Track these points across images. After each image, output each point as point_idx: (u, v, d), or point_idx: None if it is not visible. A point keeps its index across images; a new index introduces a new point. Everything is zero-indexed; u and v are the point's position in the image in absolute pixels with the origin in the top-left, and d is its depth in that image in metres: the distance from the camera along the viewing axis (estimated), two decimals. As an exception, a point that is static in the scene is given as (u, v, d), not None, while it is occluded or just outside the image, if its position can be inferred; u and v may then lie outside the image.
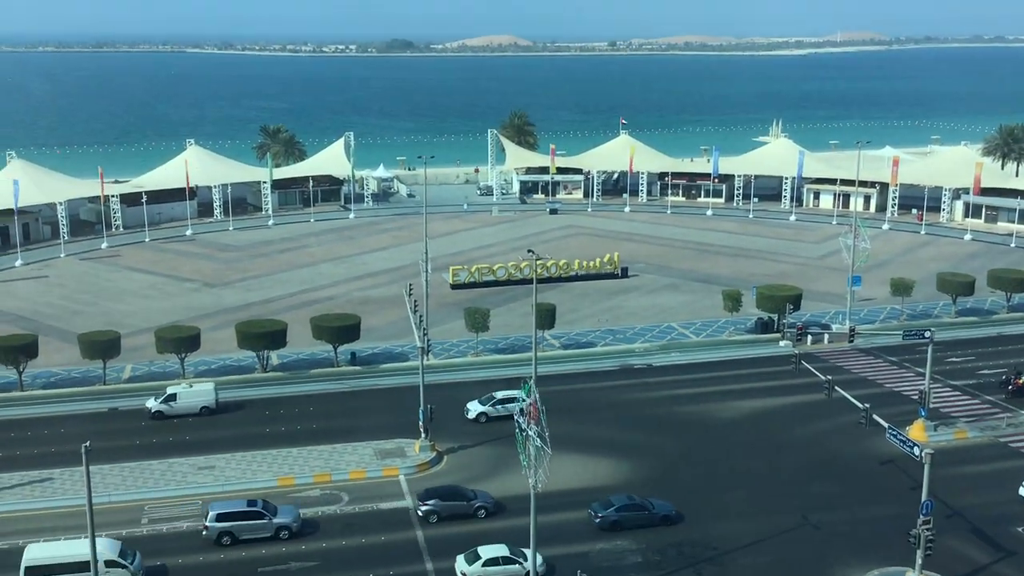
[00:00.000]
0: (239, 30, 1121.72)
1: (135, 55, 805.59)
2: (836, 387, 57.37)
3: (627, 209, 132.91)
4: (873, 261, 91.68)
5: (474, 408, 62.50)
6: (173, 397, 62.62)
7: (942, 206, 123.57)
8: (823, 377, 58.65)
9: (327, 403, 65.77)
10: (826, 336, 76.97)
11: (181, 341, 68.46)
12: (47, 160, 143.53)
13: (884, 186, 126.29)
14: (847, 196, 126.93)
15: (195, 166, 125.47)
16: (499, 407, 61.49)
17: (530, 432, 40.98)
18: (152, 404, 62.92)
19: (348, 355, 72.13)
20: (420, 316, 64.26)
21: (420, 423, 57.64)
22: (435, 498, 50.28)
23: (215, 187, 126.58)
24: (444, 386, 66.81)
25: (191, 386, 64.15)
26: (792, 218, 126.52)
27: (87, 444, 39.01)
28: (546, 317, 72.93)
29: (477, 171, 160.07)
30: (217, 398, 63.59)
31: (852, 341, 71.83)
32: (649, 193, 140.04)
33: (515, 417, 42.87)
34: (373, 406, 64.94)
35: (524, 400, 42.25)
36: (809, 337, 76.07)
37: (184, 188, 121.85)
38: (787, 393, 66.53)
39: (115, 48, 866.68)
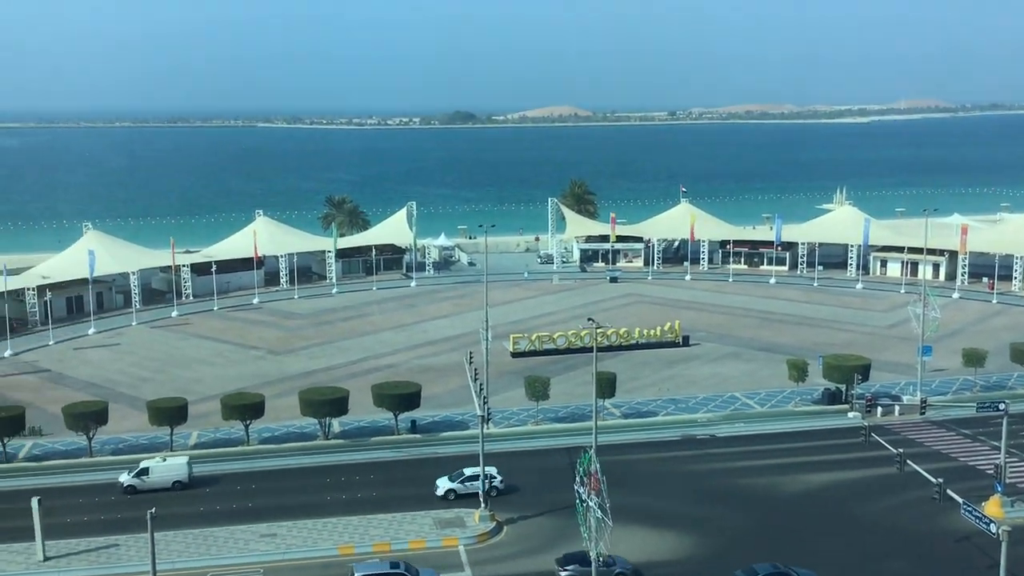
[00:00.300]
0: (307, 104, 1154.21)
1: (208, 129, 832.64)
2: (908, 461, 55.76)
3: (688, 277, 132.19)
4: (944, 330, 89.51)
5: (443, 484, 60.99)
6: (145, 471, 61.71)
7: (1014, 274, 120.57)
8: (894, 450, 57.09)
9: (387, 471, 65.70)
10: (896, 408, 74.99)
11: (246, 408, 69.36)
12: (122, 231, 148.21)
13: (953, 254, 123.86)
14: (915, 264, 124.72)
15: (263, 236, 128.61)
16: (468, 484, 59.94)
17: (591, 503, 40.47)
18: (124, 479, 61.89)
19: (408, 423, 72.27)
20: (480, 384, 64.28)
21: (480, 492, 57.21)
22: (575, 563, 49.60)
23: (282, 256, 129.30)
24: (504, 455, 66.35)
25: (165, 460, 63.23)
26: (858, 286, 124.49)
27: (152, 511, 39.48)
28: (606, 386, 72.35)
29: (537, 239, 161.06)
30: (190, 472, 62.41)
31: (924, 413, 69.80)
32: (710, 261, 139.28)
33: (575, 487, 42.40)
34: (433, 475, 64.67)
35: (584, 469, 41.83)
36: (879, 409, 74.16)
37: (252, 257, 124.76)
38: (857, 467, 64.59)
39: (189, 123, 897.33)
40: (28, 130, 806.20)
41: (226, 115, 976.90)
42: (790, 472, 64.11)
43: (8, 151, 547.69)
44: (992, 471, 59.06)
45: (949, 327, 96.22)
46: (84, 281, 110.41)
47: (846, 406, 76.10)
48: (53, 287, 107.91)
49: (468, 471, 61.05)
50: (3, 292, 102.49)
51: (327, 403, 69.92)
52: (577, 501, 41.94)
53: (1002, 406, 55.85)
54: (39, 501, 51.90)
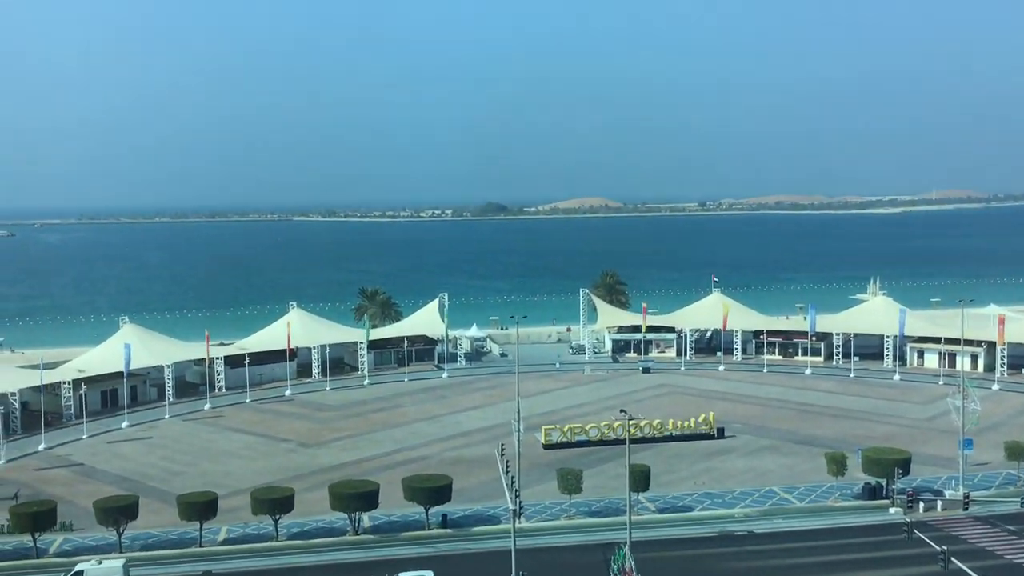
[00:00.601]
0: (342, 197, 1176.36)
1: (245, 223, 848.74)
2: (952, 558, 54.00)
3: (722, 367, 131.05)
4: (984, 423, 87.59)
5: None
6: (80, 575, 60.40)
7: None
8: (938, 547, 55.35)
9: (418, 568, 64.52)
10: (939, 503, 72.95)
11: (275, 503, 68.86)
12: (158, 324, 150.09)
13: (991, 345, 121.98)
14: (953, 355, 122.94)
15: (296, 328, 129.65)
16: None
17: (625, 603, 39.43)
18: None
19: (439, 517, 71.31)
20: (512, 477, 63.52)
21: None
22: None
23: (314, 348, 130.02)
24: (536, 550, 65.06)
25: (100, 563, 61.59)
26: (896, 377, 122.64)
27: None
28: (640, 479, 71.16)
29: (569, 330, 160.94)
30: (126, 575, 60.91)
31: (967, 508, 67.93)
32: (744, 351, 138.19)
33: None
34: (464, 571, 63.47)
35: (618, 566, 40.91)
36: (921, 504, 72.29)
37: (285, 349, 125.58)
38: (900, 564, 62.53)
39: (227, 218, 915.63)
40: (70, 226, 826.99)
41: (262, 209, 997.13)
42: (831, 571, 62.16)
43: (50, 247, 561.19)
44: (1042, 570, 57.06)
45: (990, 419, 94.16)
46: (119, 374, 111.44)
47: (887, 501, 74.16)
48: (88, 381, 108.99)
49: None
50: (39, 386, 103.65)
51: (357, 497, 69.25)
52: (611, 600, 40.94)
53: (1049, 501, 54.21)
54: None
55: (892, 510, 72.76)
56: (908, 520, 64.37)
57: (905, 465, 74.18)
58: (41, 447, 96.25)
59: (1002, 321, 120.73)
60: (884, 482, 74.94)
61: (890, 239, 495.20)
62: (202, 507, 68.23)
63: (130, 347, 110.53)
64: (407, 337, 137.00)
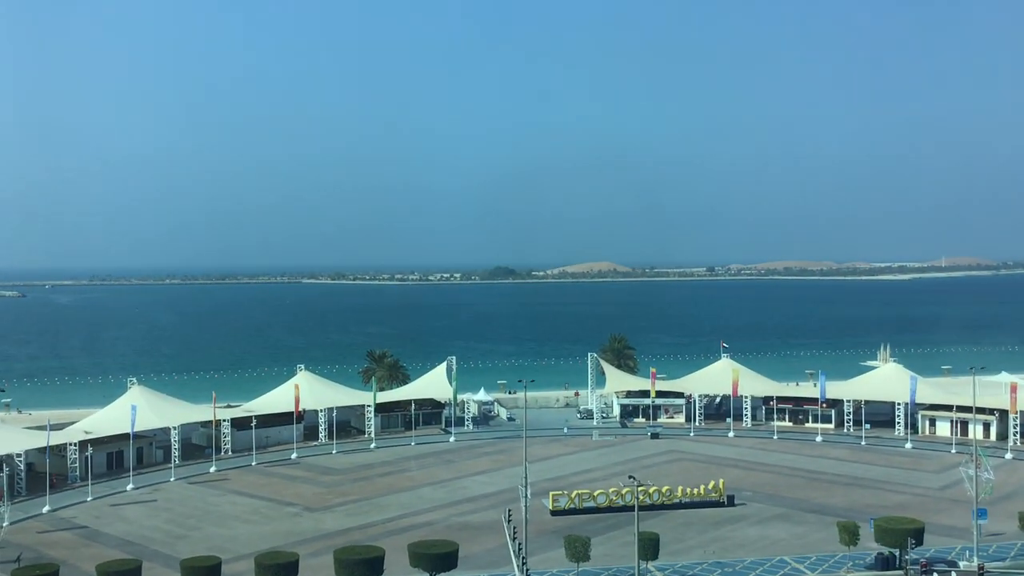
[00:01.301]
0: (351, 260, 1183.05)
1: (255, 286, 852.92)
2: (969, 632, 52.94)
3: (731, 434, 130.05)
4: (998, 492, 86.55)
5: None
6: None
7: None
8: (953, 620, 54.31)
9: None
10: (953, 574, 71.70)
11: (279, 569, 68.07)
12: (165, 386, 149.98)
13: (1003, 413, 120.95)
14: (965, 423, 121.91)
15: (304, 390, 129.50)
16: None
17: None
18: None
19: (445, 585, 70.32)
20: (519, 544, 62.75)
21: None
22: None
23: (321, 411, 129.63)
24: (543, 621, 63.98)
25: None
26: (907, 445, 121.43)
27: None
28: (649, 547, 70.26)
29: (577, 394, 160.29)
30: None
31: (983, 580, 66.74)
32: (754, 418, 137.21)
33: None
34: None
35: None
36: (935, 575, 71.05)
37: (292, 412, 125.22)
38: (914, 637, 61.34)
39: (237, 279, 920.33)
40: (81, 287, 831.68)
41: (272, 272, 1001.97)
42: (844, 643, 60.96)
43: (61, 308, 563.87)
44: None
45: (1003, 489, 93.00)
46: (126, 436, 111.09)
47: (900, 572, 72.91)
48: (95, 442, 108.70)
49: None
50: (46, 447, 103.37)
51: (362, 563, 68.41)
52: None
53: (1066, 574, 53.25)
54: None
55: (906, 581, 71.56)
56: (922, 592, 63.29)
57: (918, 535, 73.15)
58: (45, 509, 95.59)
59: (1014, 389, 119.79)
60: (897, 552, 73.83)
61: (899, 305, 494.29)
62: (206, 572, 67.50)
63: (136, 408, 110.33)
64: (414, 400, 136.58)
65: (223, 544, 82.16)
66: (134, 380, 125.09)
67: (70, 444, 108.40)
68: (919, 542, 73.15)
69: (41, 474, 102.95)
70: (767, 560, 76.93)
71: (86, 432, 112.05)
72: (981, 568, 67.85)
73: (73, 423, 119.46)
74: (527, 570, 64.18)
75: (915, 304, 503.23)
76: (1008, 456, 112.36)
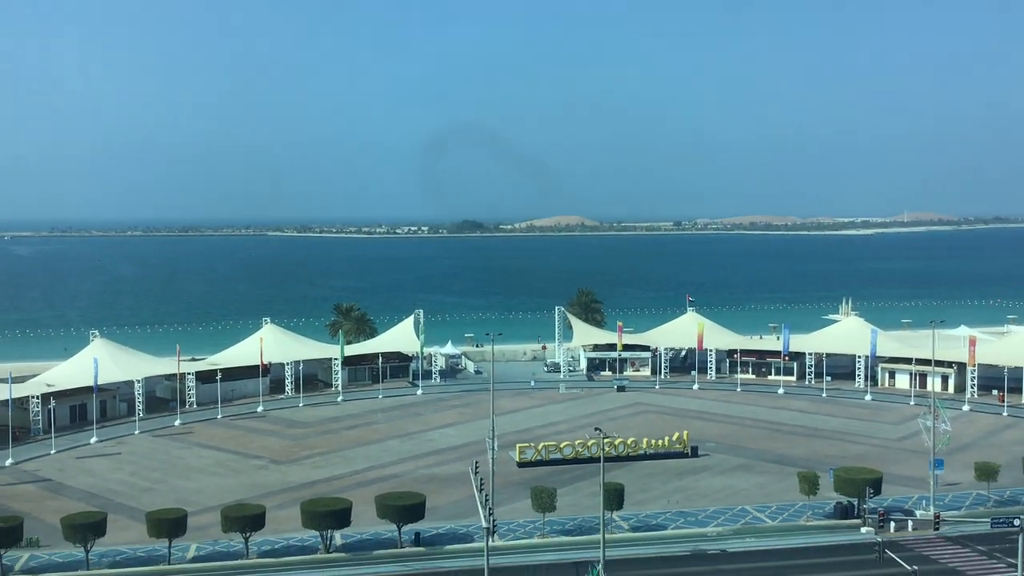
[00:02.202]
0: (317, 213, 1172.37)
1: (218, 238, 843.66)
2: (924, 578, 54.32)
3: (696, 387, 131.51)
4: (955, 444, 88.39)
5: None
6: None
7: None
8: (909, 567, 55.67)
9: (390, 586, 64.13)
10: (910, 523, 73.36)
11: (246, 520, 68.17)
12: (129, 339, 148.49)
13: (962, 366, 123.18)
14: (924, 376, 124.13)
15: (269, 344, 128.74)
16: None
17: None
18: None
19: (412, 535, 70.85)
20: (486, 495, 63.27)
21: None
22: None
23: (288, 364, 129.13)
24: (509, 569, 64.78)
25: None
26: (867, 397, 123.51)
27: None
28: (614, 497, 71.16)
29: (544, 348, 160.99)
30: None
31: (938, 529, 68.28)
32: (718, 371, 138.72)
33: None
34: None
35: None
36: (892, 524, 72.71)
37: (257, 365, 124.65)
38: (871, 583, 62.90)
39: (200, 232, 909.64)
40: (40, 239, 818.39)
41: (236, 224, 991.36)
42: (803, 590, 62.37)
43: (20, 260, 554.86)
44: (1012, 590, 57.48)
45: (960, 440, 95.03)
46: (89, 389, 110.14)
47: (859, 521, 74.55)
48: (57, 395, 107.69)
49: None
50: (7, 400, 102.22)
51: (329, 515, 68.70)
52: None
53: (1017, 522, 54.69)
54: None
55: (864, 529, 73.15)
56: (879, 540, 64.69)
57: (876, 485, 74.67)
58: (8, 462, 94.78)
59: (973, 343, 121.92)
60: (856, 501, 75.38)
61: (862, 260, 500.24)
62: (171, 524, 67.40)
63: (98, 361, 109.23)
64: (382, 354, 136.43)
65: (189, 497, 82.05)
66: (96, 333, 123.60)
67: (32, 397, 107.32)
68: (877, 492, 74.70)
69: (3, 427, 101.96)
70: (729, 509, 78.27)
71: (48, 385, 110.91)
72: (937, 517, 69.30)
73: (35, 376, 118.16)
74: (494, 521, 64.77)
75: (877, 259, 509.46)
76: (965, 408, 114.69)
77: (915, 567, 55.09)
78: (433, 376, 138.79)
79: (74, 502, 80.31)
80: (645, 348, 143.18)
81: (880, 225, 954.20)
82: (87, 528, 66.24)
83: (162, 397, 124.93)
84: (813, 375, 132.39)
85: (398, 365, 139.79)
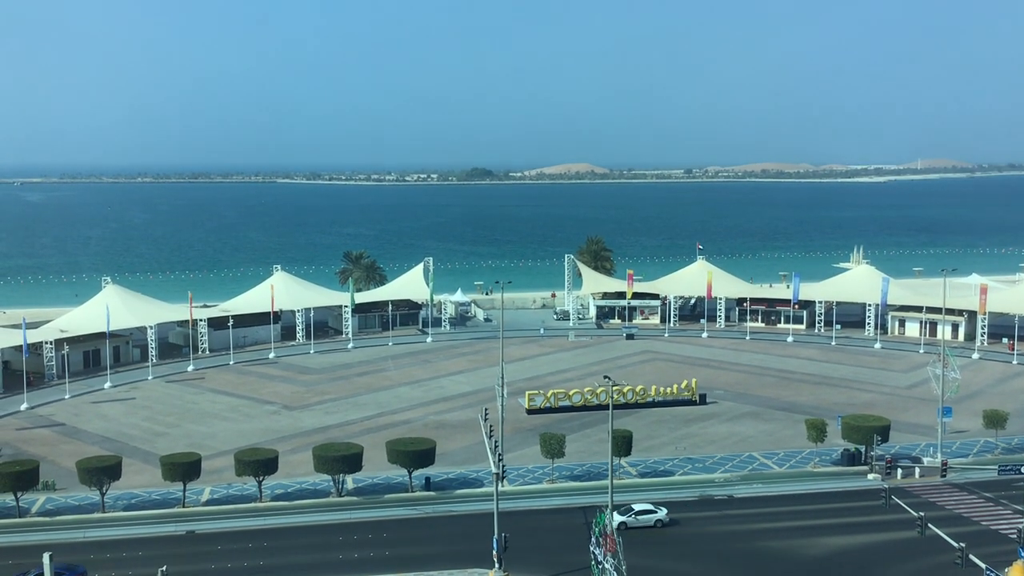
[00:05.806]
0: (326, 160, 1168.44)
1: (228, 185, 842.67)
2: (929, 524, 54.75)
3: (705, 335, 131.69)
4: (964, 392, 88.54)
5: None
6: None
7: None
8: (915, 513, 56.08)
9: (400, 529, 65.01)
10: (917, 470, 73.87)
11: (259, 464, 69.02)
12: (141, 285, 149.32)
13: (972, 314, 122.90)
14: (934, 324, 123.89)
15: (280, 291, 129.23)
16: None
17: (606, 564, 39.86)
18: None
19: (423, 480, 71.70)
20: (495, 441, 63.86)
21: (494, 552, 56.48)
22: None
23: (298, 311, 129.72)
24: (519, 513, 65.59)
25: None
26: (877, 346, 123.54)
27: (164, 568, 39.16)
28: (623, 444, 71.69)
29: (554, 296, 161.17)
30: None
31: (945, 476, 68.82)
32: (727, 319, 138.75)
33: (591, 548, 41.88)
34: (446, 533, 63.98)
35: (600, 529, 41.33)
36: (899, 470, 73.16)
37: (269, 312, 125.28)
38: (877, 530, 63.50)
39: (210, 179, 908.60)
40: (51, 185, 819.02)
41: (246, 171, 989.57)
42: (809, 535, 63.03)
43: (31, 206, 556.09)
44: (1015, 535, 57.91)
45: (969, 388, 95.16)
46: (102, 335, 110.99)
47: (866, 467, 75.05)
48: (71, 341, 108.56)
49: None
50: (22, 345, 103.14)
51: (341, 459, 69.52)
52: (592, 563, 41.34)
53: (1025, 469, 54.98)
54: (51, 557, 51.49)
55: (870, 476, 73.68)
56: (886, 486, 65.18)
57: (884, 432, 75.00)
58: (23, 407, 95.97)
59: (984, 291, 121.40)
60: (863, 448, 75.80)
61: (874, 208, 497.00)
62: (185, 468, 68.31)
63: (110, 308, 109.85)
64: (392, 301, 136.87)
65: (202, 441, 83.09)
66: (108, 279, 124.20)
67: (46, 342, 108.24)
68: (885, 439, 75.06)
69: (18, 372, 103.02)
70: (736, 456, 78.85)
71: (62, 331, 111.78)
72: (944, 464, 69.83)
73: (48, 322, 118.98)
74: (503, 466, 65.46)
75: (890, 207, 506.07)
76: (975, 356, 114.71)
77: (921, 513, 55.60)
78: (443, 324, 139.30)
79: (89, 446, 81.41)
80: (654, 296, 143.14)
81: (893, 172, 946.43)
82: (102, 471, 67.19)
83: (175, 343, 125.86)
84: (822, 323, 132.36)
85: (408, 313, 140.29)
